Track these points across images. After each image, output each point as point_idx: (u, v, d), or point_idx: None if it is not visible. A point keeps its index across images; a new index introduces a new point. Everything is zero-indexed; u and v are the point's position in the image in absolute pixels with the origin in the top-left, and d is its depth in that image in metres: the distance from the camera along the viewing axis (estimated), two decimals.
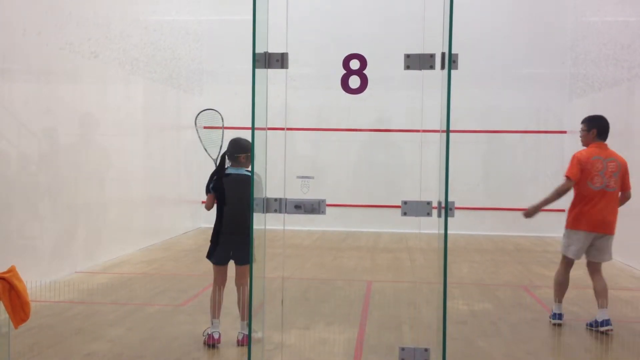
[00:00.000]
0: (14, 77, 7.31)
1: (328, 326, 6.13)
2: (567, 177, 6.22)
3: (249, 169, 5.47)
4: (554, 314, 6.38)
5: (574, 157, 6.26)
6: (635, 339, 5.98)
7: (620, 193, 6.27)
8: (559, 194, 6.33)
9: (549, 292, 7.77)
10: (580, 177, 6.14)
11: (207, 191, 5.74)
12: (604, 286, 6.23)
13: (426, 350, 4.21)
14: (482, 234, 12.78)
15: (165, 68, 11.76)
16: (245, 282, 5.51)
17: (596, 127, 6.21)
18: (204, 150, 6.12)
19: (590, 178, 6.12)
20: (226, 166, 5.70)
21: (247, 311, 5.24)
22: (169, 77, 12.04)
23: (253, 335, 3.97)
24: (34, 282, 6.94)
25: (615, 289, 8.17)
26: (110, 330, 5.84)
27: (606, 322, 6.01)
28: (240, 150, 5.68)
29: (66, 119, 8.36)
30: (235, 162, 5.66)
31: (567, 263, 6.52)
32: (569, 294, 7.82)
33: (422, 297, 7.52)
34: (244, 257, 5.45)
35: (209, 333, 5.46)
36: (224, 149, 5.87)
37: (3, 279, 4.21)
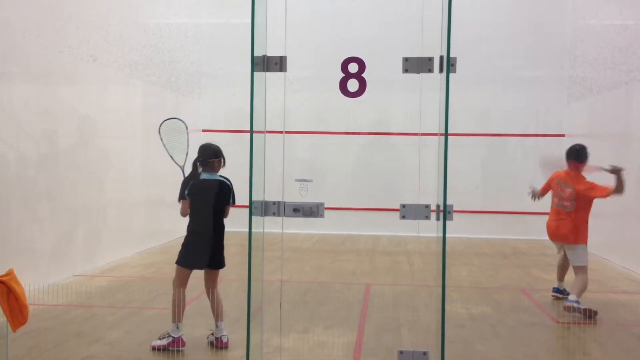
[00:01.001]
0: (13, 79, 7.30)
1: (327, 329, 6.12)
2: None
3: (220, 174, 5.80)
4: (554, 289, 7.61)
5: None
6: (634, 343, 5.98)
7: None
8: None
9: (548, 295, 7.79)
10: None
11: (182, 197, 5.92)
12: (580, 282, 7.00)
13: (425, 353, 4.21)
14: (480, 237, 12.78)
15: (164, 71, 11.77)
16: (215, 286, 5.68)
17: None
18: (170, 158, 6.24)
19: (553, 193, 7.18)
20: (199, 171, 5.81)
21: (222, 311, 5.61)
22: (168, 79, 12.04)
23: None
24: (33, 285, 6.92)
25: (614, 293, 8.17)
26: (109, 333, 5.83)
27: (571, 301, 6.71)
28: (213, 155, 5.79)
29: (65, 122, 8.36)
30: (208, 167, 5.77)
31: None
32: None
33: (421, 300, 7.51)
34: (219, 262, 5.67)
35: (174, 337, 5.43)
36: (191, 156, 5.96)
37: (1, 282, 4.20)
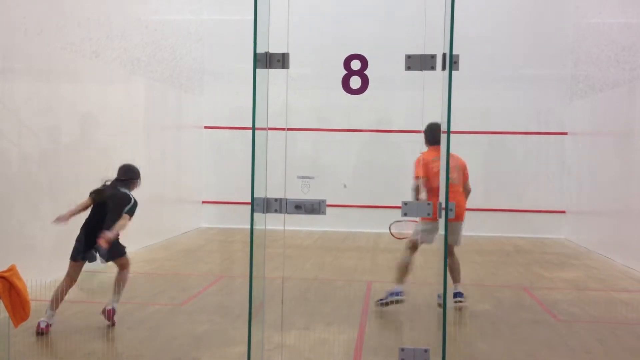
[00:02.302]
0: (15, 76, 7.31)
1: (328, 326, 6.13)
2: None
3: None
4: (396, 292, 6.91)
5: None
6: (636, 341, 5.98)
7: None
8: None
9: (549, 293, 7.79)
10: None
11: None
12: (456, 263, 7.21)
13: (426, 350, 4.21)
14: (482, 235, 12.76)
15: (166, 68, 11.76)
16: (126, 268, 6.37)
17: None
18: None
19: (431, 174, 6.74)
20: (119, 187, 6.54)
21: (122, 287, 6.25)
22: (170, 76, 12.04)
23: None
24: (34, 281, 6.92)
25: (616, 291, 8.17)
26: (110, 330, 5.84)
27: (458, 295, 6.96)
28: (135, 177, 6.82)
29: (67, 119, 8.36)
30: (126, 186, 6.59)
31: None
32: (569, 295, 7.83)
33: (422, 298, 7.51)
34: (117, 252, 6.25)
35: (39, 322, 5.60)
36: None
37: (3, 277, 4.21)
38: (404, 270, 6.94)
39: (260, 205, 3.90)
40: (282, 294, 7.16)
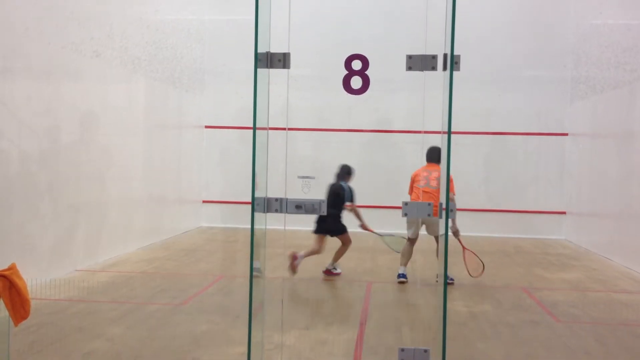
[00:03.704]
0: (15, 75, 7.31)
1: (328, 327, 6.13)
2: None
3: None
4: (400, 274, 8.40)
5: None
6: (636, 342, 5.98)
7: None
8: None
9: (549, 294, 7.79)
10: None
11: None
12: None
13: (426, 351, 4.21)
14: (482, 235, 12.76)
15: (167, 67, 11.77)
16: (346, 244, 8.59)
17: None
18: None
19: (417, 182, 8.52)
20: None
21: (338, 257, 8.62)
22: (171, 76, 12.04)
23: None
24: (35, 279, 6.94)
25: (616, 292, 8.17)
26: (110, 329, 5.84)
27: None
28: (348, 172, 8.90)
29: (67, 118, 8.37)
30: (343, 180, 8.75)
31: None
32: (569, 296, 7.83)
33: (422, 298, 7.52)
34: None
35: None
36: None
37: (3, 276, 4.21)
38: (406, 256, 8.48)
39: (260, 204, 3.90)
40: (283, 293, 7.17)
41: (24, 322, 4.40)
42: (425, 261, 9.72)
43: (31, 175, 7.59)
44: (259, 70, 3.84)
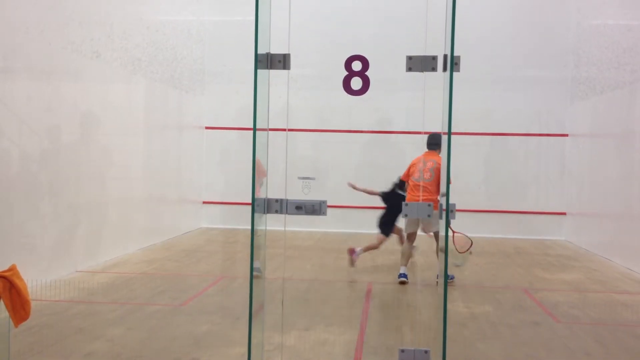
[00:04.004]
0: (16, 75, 7.31)
1: (328, 327, 6.13)
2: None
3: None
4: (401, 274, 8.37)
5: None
6: (636, 343, 5.97)
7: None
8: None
9: (550, 295, 7.79)
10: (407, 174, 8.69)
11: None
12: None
13: (426, 352, 4.22)
14: (482, 236, 12.76)
15: (167, 68, 11.77)
16: (402, 240, 8.87)
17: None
18: None
19: (412, 174, 8.53)
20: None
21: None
22: (171, 77, 12.05)
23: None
24: (35, 280, 6.95)
25: (616, 293, 8.17)
26: (110, 330, 5.84)
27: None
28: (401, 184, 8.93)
29: (68, 118, 8.37)
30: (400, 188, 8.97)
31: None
32: (569, 297, 7.83)
33: (423, 299, 7.51)
34: None
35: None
36: None
37: (4, 277, 4.21)
38: (406, 255, 8.46)
39: (261, 205, 3.90)
40: (283, 294, 7.17)
41: (24, 323, 4.40)
42: (425, 261, 9.72)
43: (31, 175, 7.59)
44: (259, 71, 3.85)
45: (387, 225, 9.10)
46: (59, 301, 6.87)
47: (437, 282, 7.98)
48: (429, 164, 8.34)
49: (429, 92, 4.82)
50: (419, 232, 8.62)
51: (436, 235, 8.03)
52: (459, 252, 8.40)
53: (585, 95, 12.49)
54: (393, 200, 9.01)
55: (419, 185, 8.39)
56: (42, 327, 5.82)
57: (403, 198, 8.64)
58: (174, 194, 12.47)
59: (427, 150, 8.54)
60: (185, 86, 12.87)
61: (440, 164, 8.06)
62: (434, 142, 8.47)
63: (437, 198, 8.05)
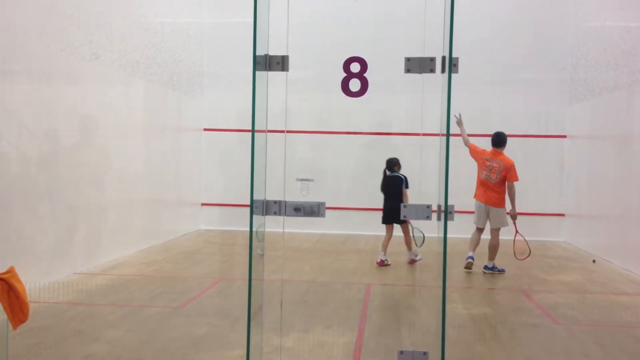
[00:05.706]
0: (15, 78, 7.31)
1: (327, 329, 6.13)
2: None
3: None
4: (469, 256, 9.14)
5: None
6: (635, 344, 5.98)
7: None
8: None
9: (549, 297, 7.79)
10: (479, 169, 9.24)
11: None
12: (495, 244, 9.11)
13: (425, 353, 4.21)
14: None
15: (166, 70, 11.77)
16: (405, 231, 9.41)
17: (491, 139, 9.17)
18: None
19: (479, 164, 9.15)
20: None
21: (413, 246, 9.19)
22: (170, 79, 12.05)
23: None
24: (33, 283, 6.94)
25: (616, 294, 8.17)
26: (109, 332, 5.84)
27: (487, 268, 9.10)
28: (396, 163, 9.61)
29: (67, 120, 8.36)
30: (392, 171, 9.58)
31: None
32: (568, 298, 7.84)
33: (421, 301, 7.51)
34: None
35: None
36: None
37: (2, 279, 4.21)
38: (474, 242, 9.28)
39: (259, 207, 3.90)
40: (281, 296, 7.17)
41: (22, 325, 4.39)
42: (425, 262, 9.72)
43: (30, 177, 7.58)
44: (257, 72, 3.85)
45: (397, 211, 9.51)
46: (57, 303, 6.86)
47: (484, 272, 9.14)
48: (496, 165, 8.93)
49: (427, 93, 4.82)
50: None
51: (497, 232, 9.00)
52: (517, 259, 9.13)
53: (584, 96, 12.50)
54: (394, 187, 9.51)
55: (487, 183, 9.00)
56: (41, 330, 5.81)
57: (398, 180, 9.39)
58: (172, 195, 12.47)
59: (492, 148, 9.04)
60: (184, 88, 12.87)
61: (505, 167, 8.94)
62: (499, 140, 8.94)
63: (504, 197, 9.07)
